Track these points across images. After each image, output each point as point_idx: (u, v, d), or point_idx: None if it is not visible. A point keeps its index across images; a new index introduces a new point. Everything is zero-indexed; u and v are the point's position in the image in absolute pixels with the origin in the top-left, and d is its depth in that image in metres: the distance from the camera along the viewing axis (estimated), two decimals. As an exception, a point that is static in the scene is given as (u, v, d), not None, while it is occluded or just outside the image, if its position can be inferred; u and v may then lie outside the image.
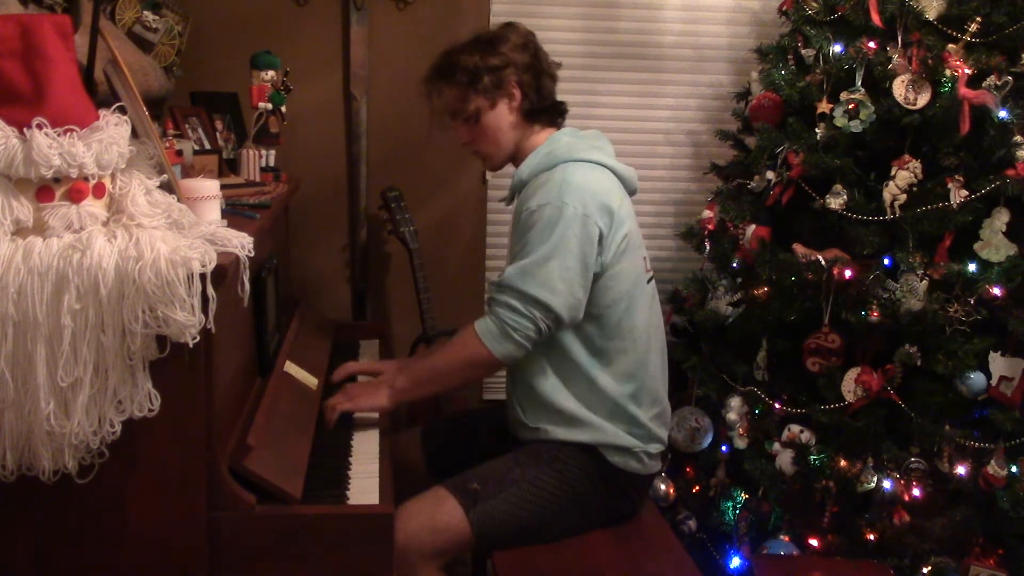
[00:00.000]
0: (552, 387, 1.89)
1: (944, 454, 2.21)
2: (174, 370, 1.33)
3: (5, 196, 1.26)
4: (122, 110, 1.37)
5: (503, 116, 1.94)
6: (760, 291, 2.40)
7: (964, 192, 2.20)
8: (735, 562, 2.42)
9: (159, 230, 1.34)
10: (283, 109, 2.25)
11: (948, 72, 2.23)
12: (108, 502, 1.37)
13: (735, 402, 2.45)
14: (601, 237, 1.82)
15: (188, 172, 1.87)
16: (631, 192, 1.97)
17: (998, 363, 2.18)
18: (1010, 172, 2.15)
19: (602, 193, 1.84)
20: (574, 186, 1.81)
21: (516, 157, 1.98)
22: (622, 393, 1.89)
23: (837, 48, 2.39)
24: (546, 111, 1.98)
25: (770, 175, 2.44)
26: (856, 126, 2.30)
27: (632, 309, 1.90)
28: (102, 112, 1.34)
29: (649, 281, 1.98)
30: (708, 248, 2.68)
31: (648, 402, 1.93)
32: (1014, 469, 2.14)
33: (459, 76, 1.91)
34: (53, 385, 1.25)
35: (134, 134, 1.42)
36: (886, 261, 2.29)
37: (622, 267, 1.87)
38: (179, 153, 1.86)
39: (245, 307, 1.66)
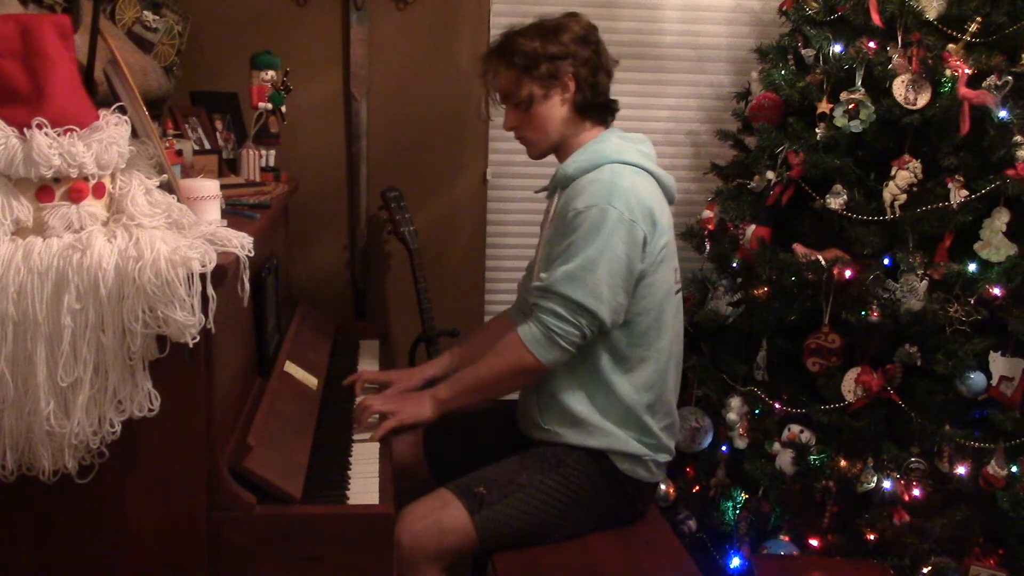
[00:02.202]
0: (570, 390, 1.87)
1: (944, 454, 2.22)
2: (174, 370, 1.33)
3: (5, 196, 1.26)
4: (122, 110, 1.37)
5: (555, 107, 1.90)
6: (760, 291, 2.40)
7: (964, 192, 2.20)
8: (735, 562, 2.42)
9: (159, 230, 1.34)
10: (283, 109, 2.24)
11: (948, 72, 2.23)
12: (108, 502, 1.37)
13: (735, 402, 2.45)
14: (645, 243, 1.81)
15: (188, 172, 1.86)
16: (670, 200, 1.95)
17: (998, 363, 2.18)
18: (1010, 172, 2.15)
19: (647, 199, 1.82)
20: (621, 190, 1.78)
21: (560, 150, 1.95)
22: (639, 402, 1.88)
23: (837, 48, 2.39)
24: (598, 108, 1.94)
25: (770, 175, 2.43)
26: (856, 126, 2.30)
27: (660, 320, 1.88)
28: (102, 112, 1.34)
29: (677, 293, 1.96)
30: (708, 248, 2.68)
31: (662, 413, 1.92)
32: (1014, 469, 2.14)
33: (516, 59, 1.88)
34: (53, 385, 1.25)
35: (134, 134, 1.42)
36: (886, 261, 2.29)
37: (658, 277, 1.86)
38: (179, 153, 1.86)
39: (245, 307, 1.66)
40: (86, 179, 1.31)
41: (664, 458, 1.95)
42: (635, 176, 1.84)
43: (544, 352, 1.78)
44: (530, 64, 1.87)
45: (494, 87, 1.95)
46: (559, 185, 1.92)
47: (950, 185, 2.20)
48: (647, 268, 1.83)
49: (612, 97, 1.98)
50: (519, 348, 1.80)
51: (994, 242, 2.20)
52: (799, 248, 2.35)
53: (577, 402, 1.87)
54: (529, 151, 2.00)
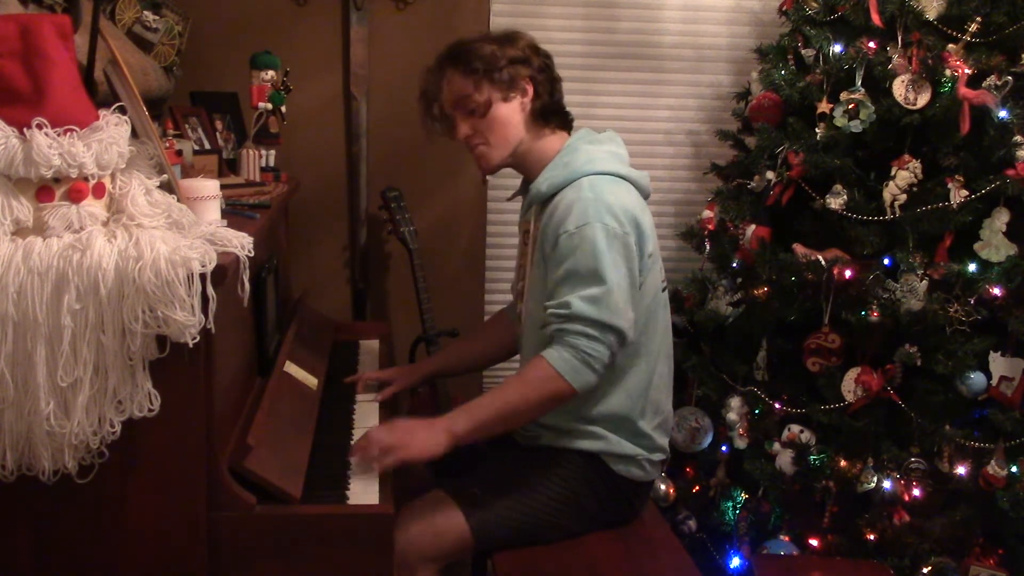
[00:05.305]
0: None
1: (944, 454, 2.22)
2: (174, 370, 1.33)
3: (5, 196, 1.26)
4: (122, 110, 1.37)
5: (515, 111, 1.85)
6: (760, 291, 2.40)
7: (964, 192, 2.20)
8: (735, 562, 2.42)
9: (159, 230, 1.34)
10: (283, 109, 2.25)
11: (948, 72, 2.23)
12: (108, 502, 1.37)
13: (735, 402, 2.45)
14: (639, 253, 1.78)
15: (188, 172, 1.86)
16: (645, 197, 1.91)
17: (998, 363, 2.18)
18: (1010, 172, 2.15)
19: (631, 207, 1.78)
20: (607, 204, 1.74)
21: (523, 161, 1.90)
22: (628, 408, 1.86)
23: (837, 48, 2.39)
24: (557, 114, 1.90)
25: (770, 175, 2.43)
26: (856, 126, 2.30)
27: (650, 324, 1.86)
28: (102, 112, 1.34)
29: (664, 291, 1.93)
30: (708, 248, 2.68)
31: (652, 413, 1.90)
32: (1014, 469, 2.14)
33: (475, 63, 1.82)
34: (53, 385, 1.25)
35: (134, 134, 1.42)
36: (886, 261, 2.29)
37: (647, 283, 1.83)
38: (179, 153, 1.86)
39: (245, 307, 1.66)
40: (86, 179, 1.31)
41: (659, 457, 1.94)
42: (614, 186, 1.79)
43: (577, 377, 1.70)
44: (490, 67, 1.82)
45: (447, 96, 1.87)
46: (534, 202, 1.87)
47: (950, 185, 2.21)
48: (641, 277, 1.81)
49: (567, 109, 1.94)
50: (551, 376, 1.70)
51: (994, 242, 2.20)
52: (799, 248, 2.35)
53: (564, 416, 1.84)
54: (484, 162, 1.91)
